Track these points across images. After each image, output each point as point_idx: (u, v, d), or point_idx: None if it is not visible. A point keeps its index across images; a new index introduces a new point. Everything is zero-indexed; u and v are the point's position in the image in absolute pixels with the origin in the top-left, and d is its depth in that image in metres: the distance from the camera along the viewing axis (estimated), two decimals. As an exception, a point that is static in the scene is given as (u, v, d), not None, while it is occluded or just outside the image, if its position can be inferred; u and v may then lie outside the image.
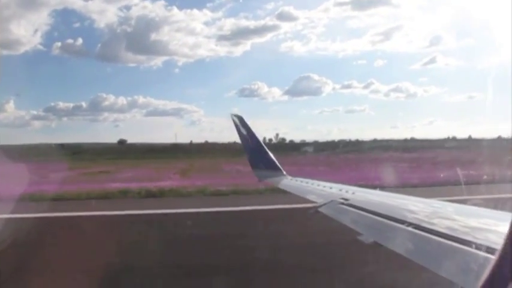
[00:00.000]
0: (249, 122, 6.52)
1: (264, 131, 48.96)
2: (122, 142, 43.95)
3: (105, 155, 32.85)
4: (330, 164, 23.98)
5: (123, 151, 38.24)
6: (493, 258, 1.64)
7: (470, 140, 38.74)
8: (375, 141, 40.84)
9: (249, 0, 59.36)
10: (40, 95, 53.01)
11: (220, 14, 54.78)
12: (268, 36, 57.55)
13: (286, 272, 6.35)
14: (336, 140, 44.19)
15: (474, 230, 2.10)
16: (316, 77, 50.71)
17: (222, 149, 34.67)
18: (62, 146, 35.43)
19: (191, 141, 45.41)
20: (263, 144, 6.48)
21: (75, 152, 33.70)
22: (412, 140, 42.07)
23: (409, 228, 2.34)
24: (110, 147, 40.77)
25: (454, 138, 41.59)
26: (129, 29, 48.63)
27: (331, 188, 4.18)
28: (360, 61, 57.37)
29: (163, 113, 57.47)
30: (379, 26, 61.31)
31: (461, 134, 45.13)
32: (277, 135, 42.02)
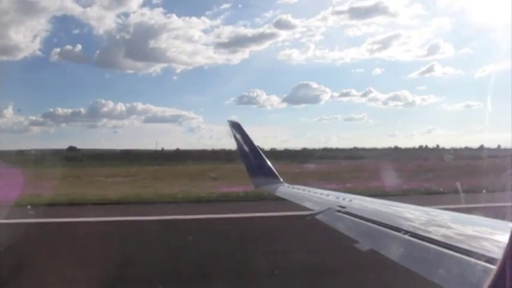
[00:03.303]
0: (248, 130, 6.53)
1: (262, 138, 48.88)
2: (71, 149, 42.63)
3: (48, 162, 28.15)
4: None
5: (72, 158, 34.82)
6: (493, 268, 1.65)
7: (437, 150, 39.26)
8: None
9: (247, 8, 59.57)
10: (39, 100, 53.04)
11: (218, 21, 54.83)
12: (267, 44, 57.68)
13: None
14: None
15: (470, 238, 2.11)
16: (314, 85, 50.87)
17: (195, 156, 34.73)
18: (22, 152, 33.00)
19: (162, 148, 45.09)
20: (260, 151, 6.47)
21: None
22: (396, 149, 42.07)
23: (406, 236, 2.34)
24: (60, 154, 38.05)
25: (421, 147, 42.09)
26: (127, 36, 48.72)
27: (328, 195, 4.17)
28: (358, 69, 57.65)
29: (162, 119, 57.43)
30: (377, 35, 61.84)
31: (460, 143, 45.74)
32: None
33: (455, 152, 34.17)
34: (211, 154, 37.25)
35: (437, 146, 41.62)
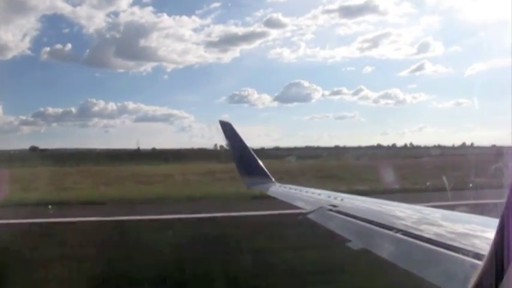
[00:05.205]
0: (240, 129, 6.50)
1: (255, 137, 48.94)
2: (34, 149, 41.78)
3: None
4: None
5: (35, 158, 32.81)
6: (480, 264, 1.66)
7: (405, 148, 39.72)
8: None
9: (237, 7, 59.76)
10: (29, 100, 52.37)
11: (209, 20, 55.01)
12: (257, 42, 57.91)
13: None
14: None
15: (460, 235, 2.13)
16: (306, 83, 51.24)
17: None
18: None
19: (138, 147, 44.94)
20: (251, 151, 6.45)
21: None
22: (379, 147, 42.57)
23: (398, 235, 2.35)
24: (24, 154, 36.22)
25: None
26: (118, 35, 48.50)
27: (319, 194, 4.18)
28: (349, 68, 58.31)
29: (153, 118, 57.25)
30: (367, 33, 62.92)
31: (450, 141, 46.38)
32: (215, 145, 37.36)
33: (428, 150, 34.48)
34: (186, 153, 36.80)
35: (411, 143, 42.25)
